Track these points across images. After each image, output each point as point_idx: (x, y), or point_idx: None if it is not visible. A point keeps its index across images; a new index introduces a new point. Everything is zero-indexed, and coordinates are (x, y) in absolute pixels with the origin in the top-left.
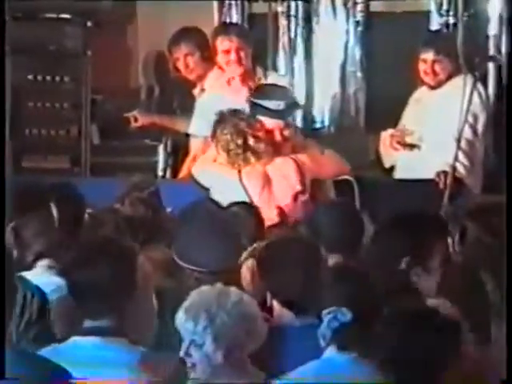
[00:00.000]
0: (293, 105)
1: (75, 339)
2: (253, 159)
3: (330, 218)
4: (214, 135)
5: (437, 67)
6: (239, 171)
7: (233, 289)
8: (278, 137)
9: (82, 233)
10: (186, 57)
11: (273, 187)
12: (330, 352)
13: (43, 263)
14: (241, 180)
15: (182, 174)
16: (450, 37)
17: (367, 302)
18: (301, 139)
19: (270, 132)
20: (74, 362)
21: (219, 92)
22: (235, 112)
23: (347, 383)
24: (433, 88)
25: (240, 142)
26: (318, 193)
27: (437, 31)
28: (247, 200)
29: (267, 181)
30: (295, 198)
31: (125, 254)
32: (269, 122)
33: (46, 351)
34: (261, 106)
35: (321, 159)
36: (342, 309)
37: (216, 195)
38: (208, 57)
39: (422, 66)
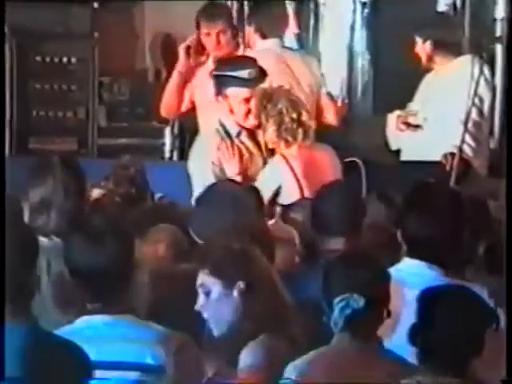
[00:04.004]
0: (261, 73)
1: (84, 319)
2: (301, 136)
3: (332, 200)
4: (260, 109)
5: (420, 51)
6: (283, 155)
7: None
8: None
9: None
10: (219, 34)
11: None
12: (341, 339)
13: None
14: (287, 162)
15: None
16: (438, 21)
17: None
18: None
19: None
20: (88, 341)
21: None
22: (282, 88)
23: None
24: (424, 70)
25: (295, 116)
26: None
27: (428, 16)
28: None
29: (313, 162)
30: None
31: (124, 238)
32: (241, 93)
33: (58, 332)
34: (229, 76)
35: None
36: (354, 295)
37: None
38: (234, 36)
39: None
